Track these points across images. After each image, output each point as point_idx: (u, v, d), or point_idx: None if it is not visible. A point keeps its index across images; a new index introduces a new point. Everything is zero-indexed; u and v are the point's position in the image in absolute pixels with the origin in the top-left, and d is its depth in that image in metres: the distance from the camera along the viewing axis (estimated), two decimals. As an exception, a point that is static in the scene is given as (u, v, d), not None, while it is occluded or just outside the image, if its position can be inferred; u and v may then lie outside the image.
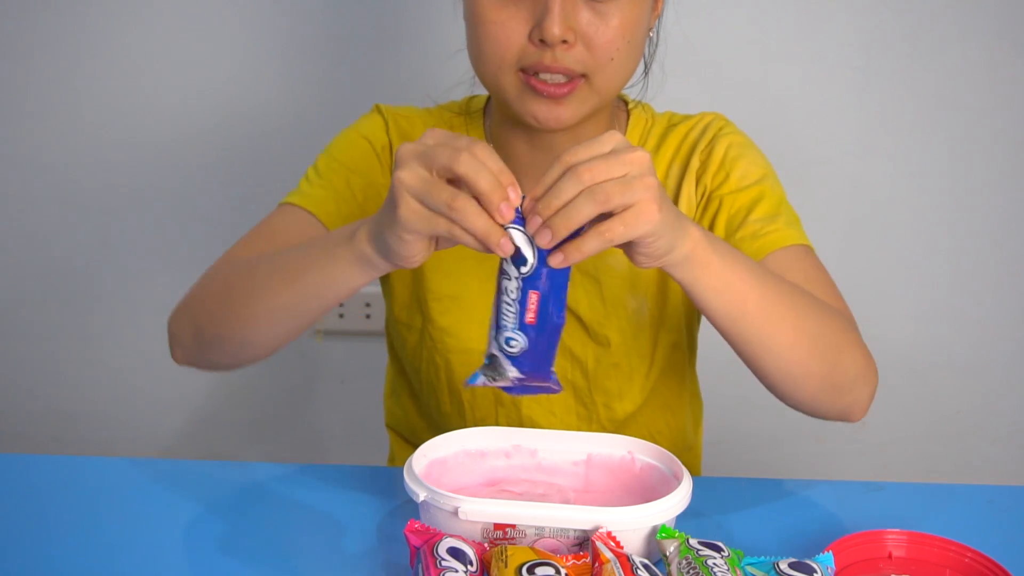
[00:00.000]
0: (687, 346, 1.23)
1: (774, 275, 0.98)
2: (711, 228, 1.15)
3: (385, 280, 1.25)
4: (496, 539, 0.87)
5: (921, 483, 1.04)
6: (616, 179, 0.81)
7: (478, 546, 0.86)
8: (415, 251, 0.86)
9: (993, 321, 1.91)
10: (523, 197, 0.83)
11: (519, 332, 0.83)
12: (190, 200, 1.87)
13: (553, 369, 0.86)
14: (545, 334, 0.83)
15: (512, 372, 0.85)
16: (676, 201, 1.17)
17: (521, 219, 0.82)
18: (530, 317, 0.83)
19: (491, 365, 0.86)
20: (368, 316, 1.92)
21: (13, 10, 1.77)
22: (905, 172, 1.83)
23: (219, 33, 1.78)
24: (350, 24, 1.78)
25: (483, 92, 1.18)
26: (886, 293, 1.90)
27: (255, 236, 1.14)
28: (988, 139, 1.81)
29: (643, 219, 0.82)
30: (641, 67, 1.19)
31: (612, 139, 0.84)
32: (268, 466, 1.08)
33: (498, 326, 0.84)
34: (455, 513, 0.87)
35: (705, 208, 1.16)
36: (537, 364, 0.85)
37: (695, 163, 1.17)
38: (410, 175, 0.82)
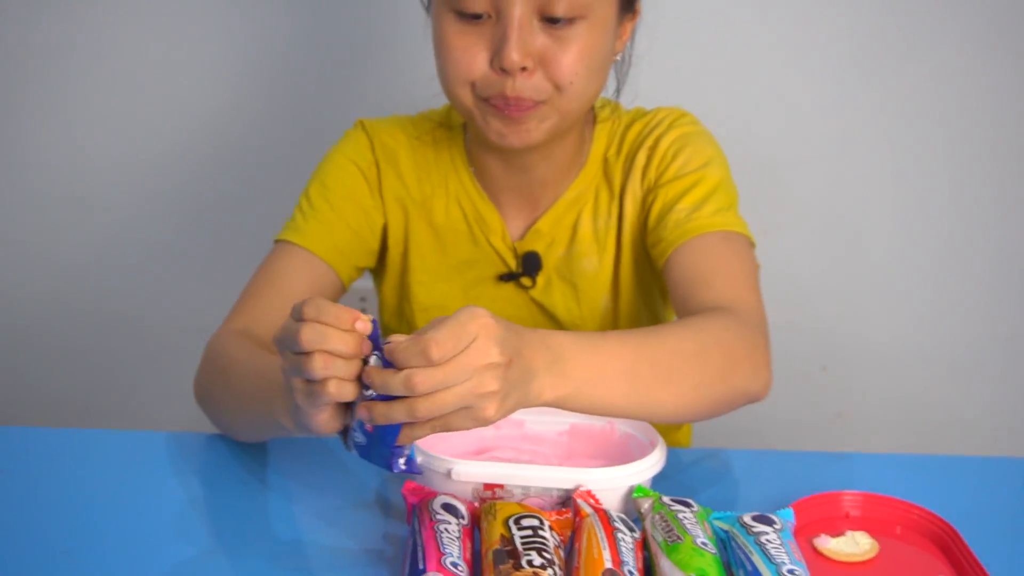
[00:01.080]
0: None
1: (646, 345, 0.96)
2: (646, 219, 1.19)
3: (376, 284, 1.33)
4: (485, 499, 0.95)
5: (880, 454, 1.12)
6: (454, 391, 0.80)
7: (469, 504, 0.93)
8: (321, 424, 0.85)
9: (961, 315, 1.97)
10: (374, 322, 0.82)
11: (360, 431, 0.84)
12: (190, 201, 1.93)
13: (401, 461, 0.84)
14: (381, 446, 0.83)
15: (354, 452, 0.85)
16: (621, 200, 1.22)
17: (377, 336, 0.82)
18: (368, 426, 0.83)
19: (345, 434, 0.86)
20: (364, 310, 1.98)
21: (20, 16, 1.82)
22: (881, 174, 1.89)
23: (215, 43, 1.84)
24: (337, 34, 1.84)
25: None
26: (860, 291, 1.96)
27: (261, 285, 1.19)
28: (962, 143, 1.86)
29: (479, 419, 0.82)
30: (613, 85, 1.23)
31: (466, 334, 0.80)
32: (277, 440, 1.14)
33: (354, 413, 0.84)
34: (448, 475, 0.94)
35: (644, 200, 1.21)
36: (379, 461, 0.84)
37: (641, 159, 1.21)
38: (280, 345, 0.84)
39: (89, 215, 1.94)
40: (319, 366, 0.80)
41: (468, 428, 0.83)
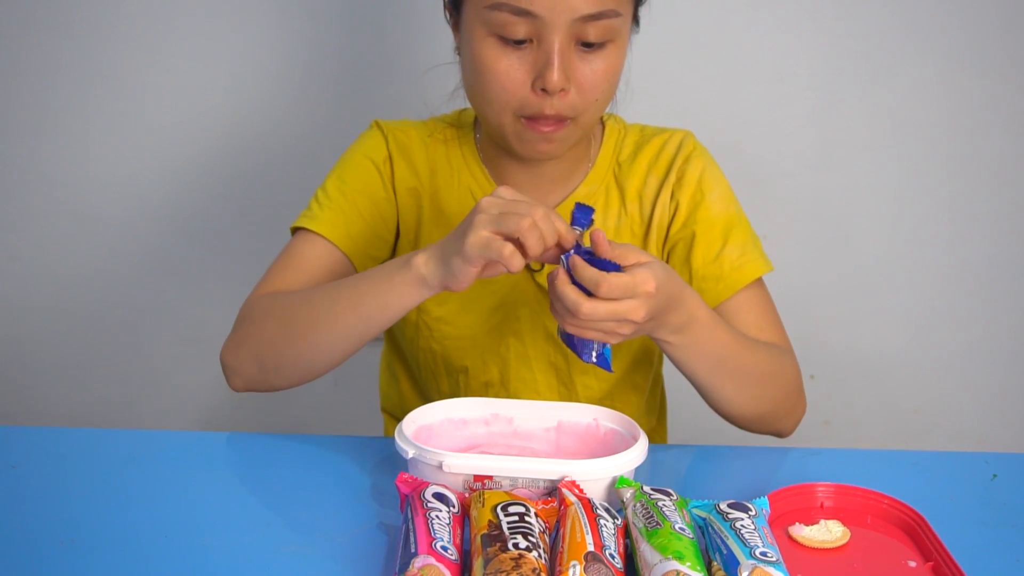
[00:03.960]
0: None
1: (743, 348, 1.16)
2: (688, 256, 1.28)
3: None
4: (475, 490, 0.99)
5: (853, 448, 1.16)
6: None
7: (460, 495, 0.98)
8: (471, 276, 1.04)
9: (947, 324, 2.02)
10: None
11: None
12: (193, 215, 1.97)
13: (594, 355, 1.07)
14: (584, 339, 1.06)
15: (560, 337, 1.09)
16: (653, 208, 1.30)
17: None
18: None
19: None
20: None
21: (23, 27, 1.87)
22: (861, 185, 1.95)
23: (227, 53, 1.89)
24: (348, 46, 1.89)
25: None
26: (845, 300, 2.01)
27: (285, 266, 1.26)
28: (938, 154, 1.93)
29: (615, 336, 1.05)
30: None
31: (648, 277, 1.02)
32: (276, 437, 1.19)
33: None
34: (440, 467, 0.99)
35: (683, 226, 1.29)
36: (578, 349, 1.07)
37: (672, 177, 1.30)
38: (489, 205, 1.04)
39: (92, 229, 1.98)
40: (526, 225, 1.01)
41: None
